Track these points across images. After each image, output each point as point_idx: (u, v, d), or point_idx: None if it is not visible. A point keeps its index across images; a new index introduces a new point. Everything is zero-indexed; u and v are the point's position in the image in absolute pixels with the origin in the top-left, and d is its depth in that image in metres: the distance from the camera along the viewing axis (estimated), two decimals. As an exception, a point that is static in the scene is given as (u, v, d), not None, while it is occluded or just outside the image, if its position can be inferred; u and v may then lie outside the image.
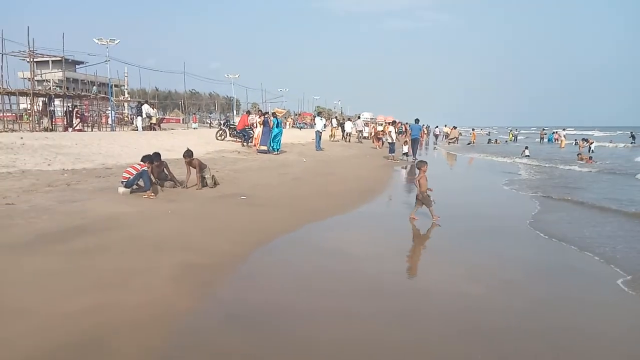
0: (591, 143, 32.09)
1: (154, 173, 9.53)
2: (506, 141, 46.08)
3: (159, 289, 4.41)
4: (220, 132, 24.69)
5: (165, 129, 33.10)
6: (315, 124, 26.82)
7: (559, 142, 40.97)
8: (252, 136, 21.86)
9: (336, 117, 40.91)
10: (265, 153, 18.90)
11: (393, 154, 21.56)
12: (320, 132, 24.55)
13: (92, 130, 27.60)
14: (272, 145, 19.45)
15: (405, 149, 21.75)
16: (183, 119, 56.41)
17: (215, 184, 10.28)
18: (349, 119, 38.50)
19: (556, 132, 51.42)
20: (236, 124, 26.61)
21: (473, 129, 44.17)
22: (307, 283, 4.95)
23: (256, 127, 20.20)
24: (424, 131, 41.60)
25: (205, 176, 10.10)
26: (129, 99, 44.64)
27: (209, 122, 51.20)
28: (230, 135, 24.21)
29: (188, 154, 9.99)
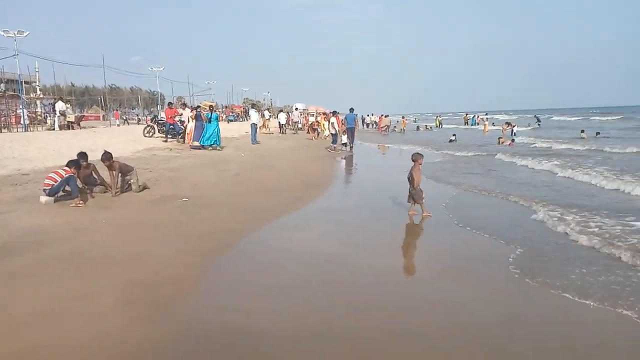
0: (513, 126, 33.74)
1: (80, 178, 8.57)
2: (430, 127, 47.50)
3: (107, 318, 3.75)
4: (148, 128, 23.30)
5: (85, 127, 30.86)
6: (249, 117, 26.06)
7: (483, 126, 42.89)
8: (182, 132, 20.77)
9: (268, 109, 40.11)
10: (199, 149, 17.99)
11: (335, 145, 21.36)
12: (256, 125, 23.85)
13: (1, 132, 25.03)
14: (209, 140, 18.55)
15: (345, 138, 21.62)
16: (103, 116, 53.12)
17: (144, 188, 9.37)
18: (280, 111, 37.89)
19: (478, 116, 54.05)
20: (164, 119, 25.33)
21: (403, 117, 45.09)
22: (283, 296, 4.40)
23: (188, 121, 19.15)
24: (356, 121, 41.92)
25: (131, 181, 9.13)
26: (41, 96, 41.13)
27: (136, 118, 48.18)
28: (159, 132, 22.90)
29: (106, 156, 8.78)
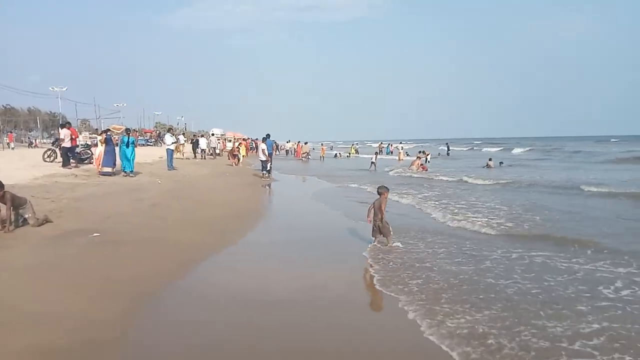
0: (427, 155, 35.18)
1: (-36, 211, 7.17)
2: (348, 155, 48.22)
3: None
4: (48, 152, 21.04)
5: (-28, 150, 27.43)
6: (164, 142, 24.56)
7: (397, 155, 44.34)
8: (90, 156, 18.98)
9: (183, 134, 38.52)
10: (110, 175, 16.42)
11: (265, 171, 20.70)
12: (172, 150, 22.47)
13: None
14: (124, 166, 17.07)
15: (269, 165, 21.00)
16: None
17: (45, 221, 8.06)
18: (202, 136, 36.49)
19: (392, 145, 56.07)
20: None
21: (322, 144, 45.38)
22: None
23: (97, 145, 17.48)
24: (274, 147, 41.78)
25: (26, 215, 7.80)
26: None
27: (32, 140, 43.66)
28: (61, 156, 20.76)
29: None
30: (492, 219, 10.00)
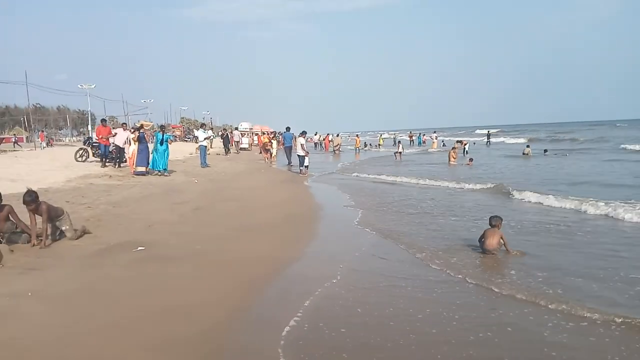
0: (465, 144, 33.47)
1: (-6, 225, 6.35)
2: (377, 145, 46.79)
3: None
4: (80, 151, 20.50)
5: (5, 151, 27.27)
6: (196, 138, 23.86)
7: (431, 145, 42.77)
8: (118, 156, 18.26)
9: (211, 129, 37.85)
10: (144, 175, 15.68)
11: (302, 167, 19.63)
12: (206, 147, 21.66)
13: None
14: (158, 165, 16.38)
15: (306, 160, 19.95)
16: (27, 137, 48.32)
17: (83, 233, 7.20)
18: (235, 128, 35.78)
19: (424, 134, 54.31)
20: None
21: (357, 135, 43.95)
22: None
23: (130, 144, 16.74)
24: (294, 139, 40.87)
25: (63, 228, 6.93)
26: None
27: (48, 140, 42.78)
28: (93, 155, 20.20)
29: (31, 197, 6.51)
30: None
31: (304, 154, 19.00)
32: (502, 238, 6.40)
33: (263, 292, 5.11)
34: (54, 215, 6.74)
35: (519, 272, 5.69)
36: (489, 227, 6.53)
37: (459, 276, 5.61)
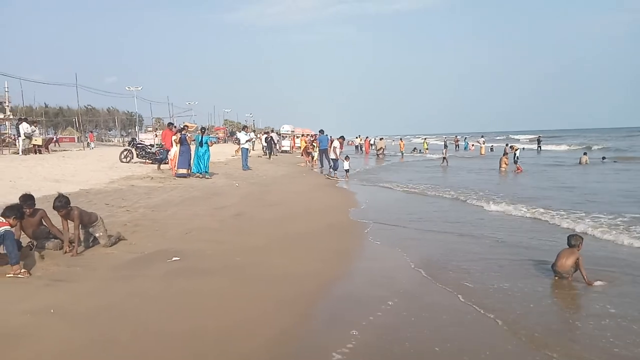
0: (516, 150, 31.87)
1: (25, 230, 6.01)
2: (420, 151, 45.45)
3: None
4: (125, 152, 20.65)
5: (56, 151, 27.97)
6: (238, 140, 23.72)
7: (479, 151, 41.21)
8: (161, 158, 18.20)
9: (254, 131, 37.87)
10: (185, 177, 15.46)
11: (335, 172, 19.20)
12: (248, 150, 21.40)
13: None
14: (199, 167, 16.16)
15: (347, 164, 19.36)
16: (79, 138, 49.85)
17: (118, 239, 6.80)
18: (271, 131, 35.61)
19: (470, 141, 52.56)
20: (144, 143, 22.73)
21: (401, 139, 42.91)
22: None
23: (172, 146, 16.59)
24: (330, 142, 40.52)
25: (97, 234, 6.50)
26: (10, 117, 37.79)
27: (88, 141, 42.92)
28: (137, 157, 20.30)
29: (61, 203, 6.09)
30: None
31: (335, 157, 18.77)
32: (577, 261, 5.51)
33: (307, 316, 4.49)
34: (87, 222, 6.36)
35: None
36: (567, 246, 5.67)
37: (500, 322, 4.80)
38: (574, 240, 5.62)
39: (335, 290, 5.32)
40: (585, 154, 28.26)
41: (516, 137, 68.17)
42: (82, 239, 6.36)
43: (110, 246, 6.57)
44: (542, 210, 10.19)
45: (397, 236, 8.29)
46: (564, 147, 48.58)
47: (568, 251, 5.58)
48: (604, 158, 28.45)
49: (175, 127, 17.72)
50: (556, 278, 5.58)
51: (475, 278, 5.67)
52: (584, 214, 9.60)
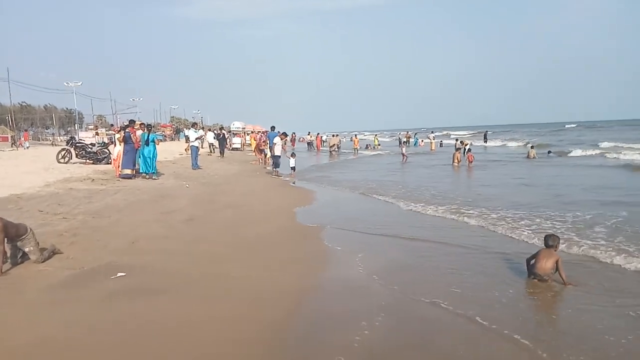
0: (466, 144, 32.54)
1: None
2: (369, 146, 45.52)
3: None
4: (63, 152, 19.17)
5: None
6: (187, 138, 22.68)
7: (429, 146, 41.80)
8: (107, 156, 17.02)
9: (210, 129, 36.62)
10: (130, 178, 14.42)
11: (278, 169, 18.67)
12: (197, 147, 20.43)
13: None
14: (146, 167, 15.10)
15: (292, 162, 19.02)
16: (13, 137, 46.46)
17: (52, 253, 5.98)
18: (221, 129, 34.51)
19: (419, 137, 53.37)
20: (84, 142, 21.29)
21: (355, 135, 42.50)
22: None
23: (115, 145, 15.45)
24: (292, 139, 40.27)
25: (26, 249, 5.67)
26: None
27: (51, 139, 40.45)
28: (77, 157, 18.91)
29: None
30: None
31: (279, 155, 18.67)
32: (557, 263, 5.29)
33: (281, 343, 3.95)
34: (13, 235, 5.50)
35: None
36: (544, 247, 5.44)
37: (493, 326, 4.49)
38: (551, 241, 5.40)
39: (309, 307, 4.79)
40: (532, 147, 29.08)
41: (455, 133, 69.90)
42: (8, 255, 5.51)
43: (43, 262, 5.74)
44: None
45: (357, 240, 7.88)
46: (513, 144, 49.80)
47: (546, 252, 5.35)
48: (549, 152, 29.38)
49: (134, 123, 16.36)
50: (535, 280, 5.33)
51: (453, 286, 5.33)
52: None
